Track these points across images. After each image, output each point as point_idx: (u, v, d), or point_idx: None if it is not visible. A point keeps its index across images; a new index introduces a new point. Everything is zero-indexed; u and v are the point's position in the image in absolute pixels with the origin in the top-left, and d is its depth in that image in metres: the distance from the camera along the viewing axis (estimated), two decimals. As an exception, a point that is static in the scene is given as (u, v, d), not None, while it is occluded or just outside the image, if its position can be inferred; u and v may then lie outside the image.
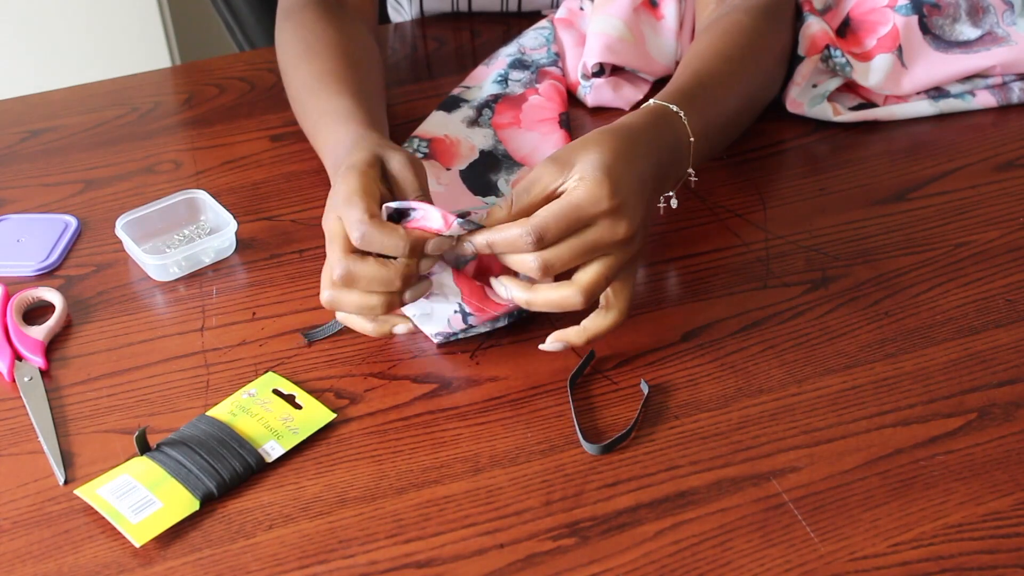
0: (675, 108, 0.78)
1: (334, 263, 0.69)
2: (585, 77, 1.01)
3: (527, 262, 0.69)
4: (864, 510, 0.65)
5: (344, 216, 0.69)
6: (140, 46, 1.99)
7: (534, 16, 1.15)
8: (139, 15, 1.96)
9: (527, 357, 0.76)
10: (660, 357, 0.76)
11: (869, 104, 1.00)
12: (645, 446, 0.69)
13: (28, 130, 1.01)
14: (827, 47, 0.95)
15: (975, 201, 0.90)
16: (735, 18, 0.90)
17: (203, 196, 0.88)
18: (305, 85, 0.89)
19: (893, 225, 0.87)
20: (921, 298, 0.80)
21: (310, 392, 0.73)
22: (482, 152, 0.92)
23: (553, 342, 0.73)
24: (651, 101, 0.79)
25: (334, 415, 0.71)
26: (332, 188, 0.73)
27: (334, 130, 0.82)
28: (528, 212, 0.69)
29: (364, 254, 0.69)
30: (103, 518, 0.65)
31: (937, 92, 1.00)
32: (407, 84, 1.07)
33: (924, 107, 0.99)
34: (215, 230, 0.87)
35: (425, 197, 0.73)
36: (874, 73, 0.97)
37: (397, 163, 0.73)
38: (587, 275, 0.69)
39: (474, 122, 0.95)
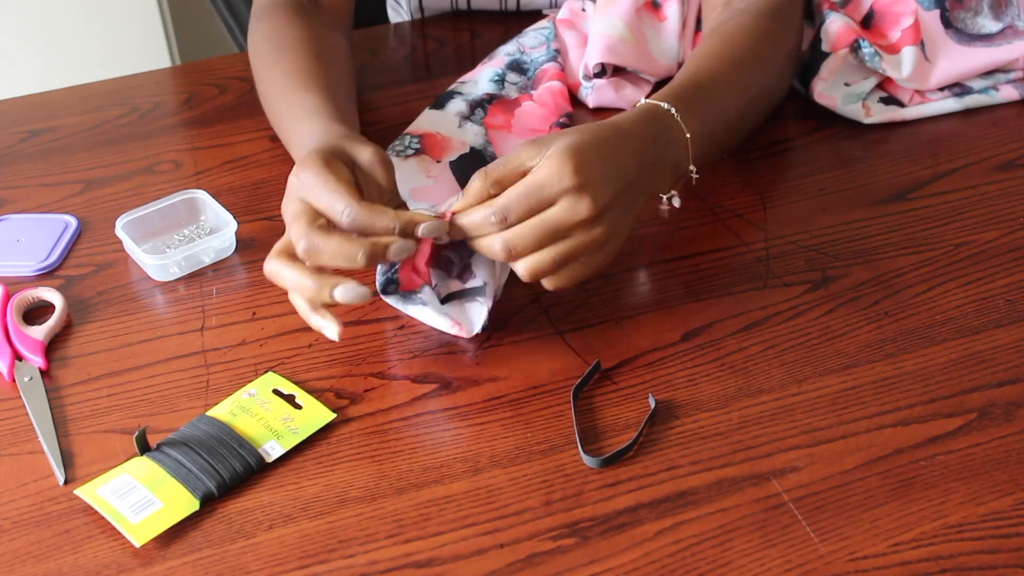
0: (665, 105, 0.78)
1: (297, 236, 0.69)
2: (587, 78, 1.01)
3: (493, 245, 0.70)
4: (864, 510, 0.65)
5: (323, 201, 0.69)
6: (140, 46, 1.99)
7: (534, 16, 1.15)
8: (139, 15, 1.96)
9: (527, 357, 0.76)
10: (660, 357, 0.76)
11: (895, 100, 1.00)
12: (645, 446, 0.69)
13: (28, 130, 1.01)
14: (856, 40, 0.96)
15: (975, 201, 0.90)
16: (740, 20, 0.90)
17: (203, 196, 0.88)
18: (275, 84, 0.89)
19: (893, 225, 0.87)
20: (921, 298, 0.80)
21: (310, 392, 0.73)
22: (472, 148, 0.92)
23: (483, 243, 0.71)
24: (642, 100, 0.80)
25: (334, 415, 0.71)
26: (293, 172, 0.72)
27: (301, 126, 0.82)
28: (503, 185, 0.71)
29: (327, 230, 0.69)
30: (103, 518, 0.65)
31: (961, 89, 1.01)
32: (407, 84, 1.07)
33: (951, 104, 1.00)
34: (215, 230, 0.87)
35: (394, 195, 0.74)
36: (903, 65, 0.97)
37: (367, 157, 0.73)
38: (535, 257, 0.70)
39: (466, 118, 0.95)
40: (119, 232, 0.84)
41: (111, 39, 1.96)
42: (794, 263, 0.84)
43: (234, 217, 0.85)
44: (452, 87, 1.00)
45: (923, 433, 0.70)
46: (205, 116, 1.03)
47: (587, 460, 0.68)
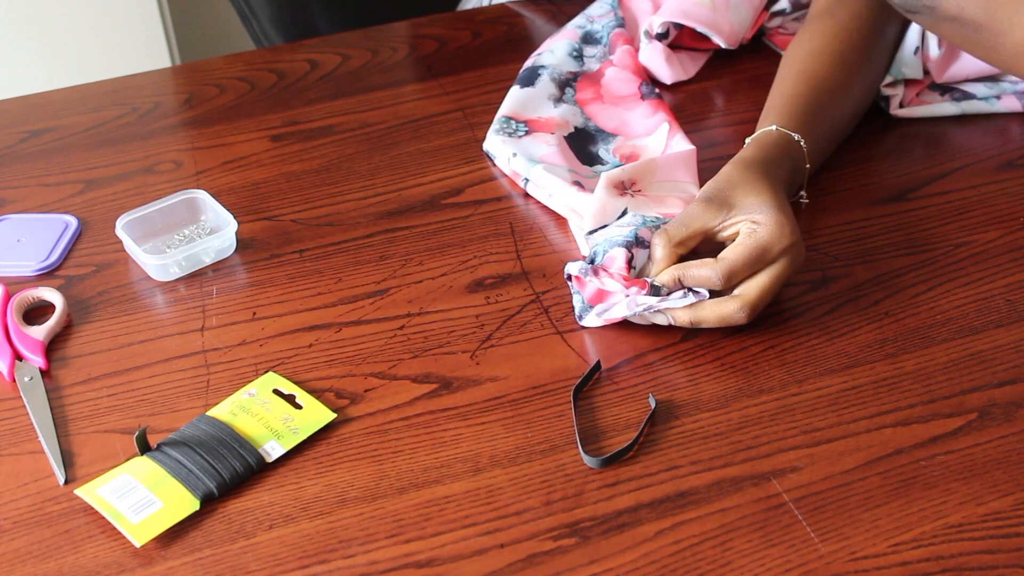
0: (797, 137, 0.84)
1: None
2: (648, 35, 1.02)
3: (736, 315, 0.75)
4: (864, 510, 0.65)
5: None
6: (140, 46, 1.99)
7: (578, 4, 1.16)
8: (139, 15, 1.96)
9: (527, 357, 0.76)
10: (660, 357, 0.76)
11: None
12: (645, 446, 0.69)
13: (28, 130, 1.01)
14: None
15: (975, 201, 0.90)
16: (853, 9, 0.93)
17: (203, 196, 0.88)
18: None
19: (893, 225, 0.87)
20: (921, 298, 0.80)
21: (310, 392, 0.73)
22: (576, 128, 0.96)
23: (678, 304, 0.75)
24: (774, 127, 0.84)
25: (334, 415, 0.72)
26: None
27: None
28: (687, 246, 0.77)
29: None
30: (103, 518, 0.65)
31: (961, 94, 1.00)
32: (407, 84, 1.07)
33: (947, 108, 0.99)
34: (215, 230, 0.87)
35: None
36: (931, 37, 0.97)
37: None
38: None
39: (559, 100, 0.99)
40: (119, 232, 0.84)
41: (111, 39, 1.96)
42: (794, 263, 0.84)
43: (234, 217, 0.85)
44: (531, 62, 1.03)
45: (923, 433, 0.70)
46: (205, 116, 1.03)
47: (587, 460, 0.68)
